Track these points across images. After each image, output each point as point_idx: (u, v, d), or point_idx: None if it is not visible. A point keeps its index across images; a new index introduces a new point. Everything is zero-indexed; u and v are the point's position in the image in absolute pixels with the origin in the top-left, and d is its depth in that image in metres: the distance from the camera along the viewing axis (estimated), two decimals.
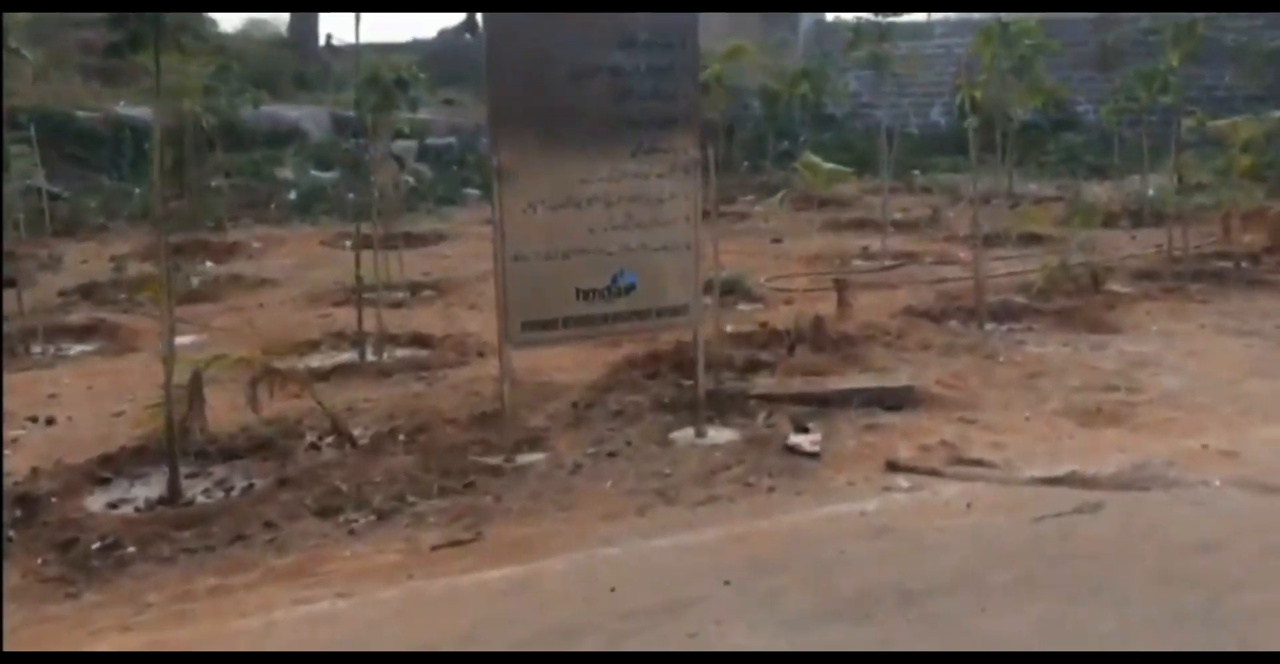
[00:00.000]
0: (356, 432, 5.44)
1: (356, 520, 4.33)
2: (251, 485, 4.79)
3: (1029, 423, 5.33)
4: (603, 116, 4.86)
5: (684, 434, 5.21)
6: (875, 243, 10.76)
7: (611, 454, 4.97)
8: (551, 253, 4.86)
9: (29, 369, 7.18)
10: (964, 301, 8.00)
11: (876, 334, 7.08)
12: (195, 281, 9.70)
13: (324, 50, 23.01)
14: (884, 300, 8.25)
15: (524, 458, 4.94)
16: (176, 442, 4.67)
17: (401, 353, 7.23)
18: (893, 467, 4.71)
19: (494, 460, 4.91)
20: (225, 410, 5.36)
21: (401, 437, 5.26)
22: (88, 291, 10.05)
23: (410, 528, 4.27)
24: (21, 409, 6.02)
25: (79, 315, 8.87)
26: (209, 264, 10.27)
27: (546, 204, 4.82)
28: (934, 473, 4.64)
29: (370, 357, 7.00)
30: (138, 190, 15.15)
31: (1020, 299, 8.15)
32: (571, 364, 6.36)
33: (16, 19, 20.28)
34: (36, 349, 7.80)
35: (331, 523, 4.32)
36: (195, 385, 5.19)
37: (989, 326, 7.34)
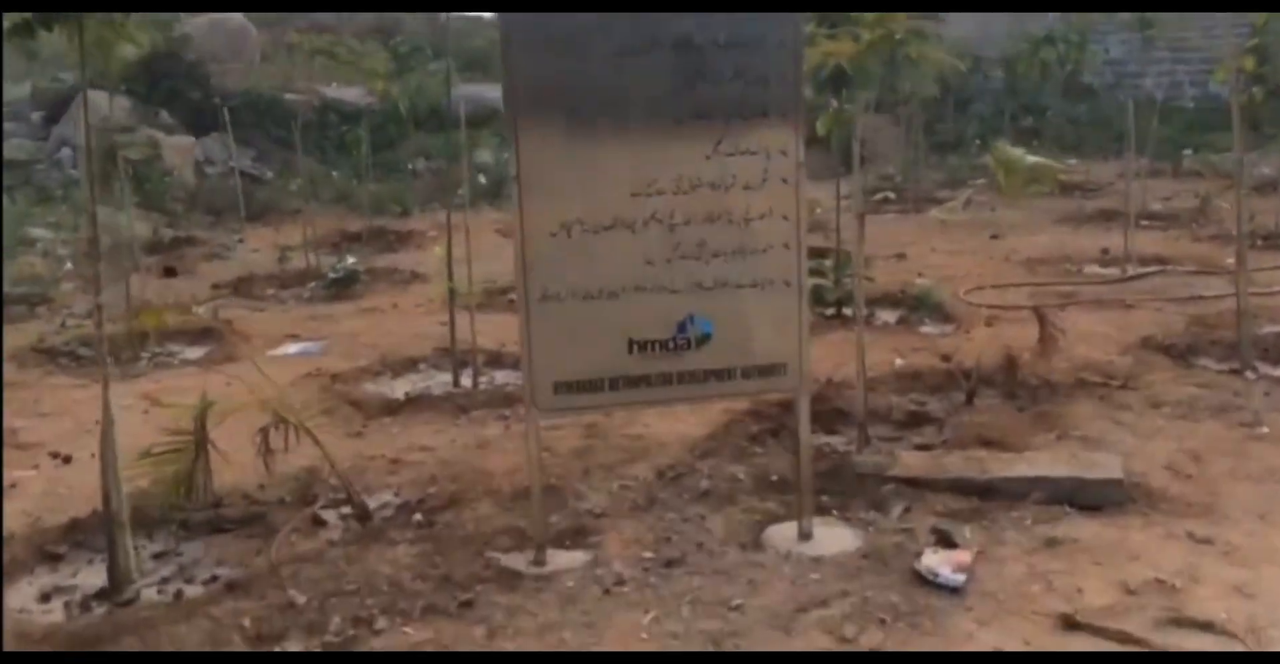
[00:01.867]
0: (382, 499, 4.39)
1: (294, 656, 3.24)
2: (214, 578, 3.80)
3: None
4: (664, 106, 3.52)
5: (783, 532, 3.84)
6: (1120, 242, 8.78)
7: (673, 562, 3.66)
8: (593, 291, 3.58)
9: (115, 380, 6.56)
10: (1224, 332, 6.12)
11: (1091, 379, 5.39)
12: (330, 276, 8.99)
13: None
14: (1114, 326, 6.47)
15: (558, 559, 3.72)
16: (119, 518, 3.73)
17: (505, 377, 6.15)
18: (1070, 625, 3.17)
19: (518, 561, 3.72)
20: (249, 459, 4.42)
21: (419, 516, 4.14)
22: (240, 285, 9.62)
23: None
24: (63, 436, 5.38)
25: (206, 313, 8.34)
26: (350, 259, 9.56)
27: (585, 225, 3.54)
28: (1134, 641, 3.07)
29: (465, 382, 5.98)
30: (335, 173, 14.89)
31: None
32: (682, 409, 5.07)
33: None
34: (145, 353, 7.27)
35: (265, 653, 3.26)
36: (199, 435, 4.31)
37: (1253, 374, 5.46)
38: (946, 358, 5.86)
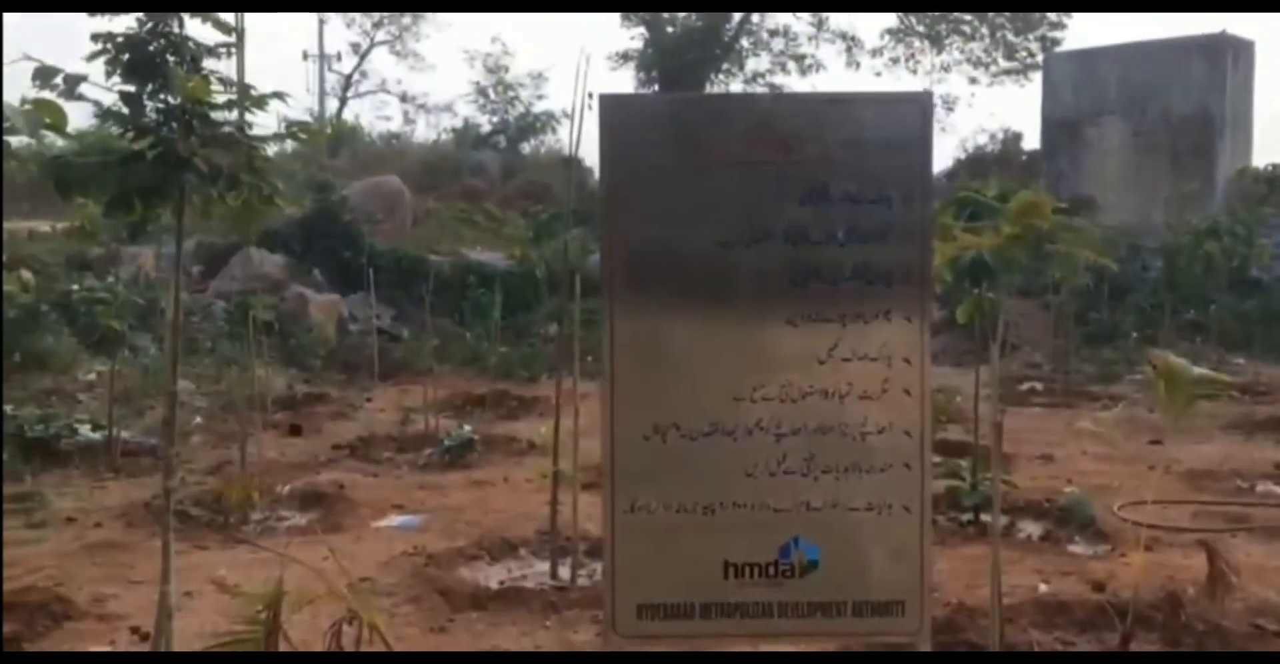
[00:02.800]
0: None
1: None
2: None
3: None
4: (775, 303, 3.21)
5: None
6: None
7: None
8: (688, 504, 3.21)
9: (216, 546, 6.42)
10: None
11: (1269, 627, 4.66)
12: (445, 444, 8.83)
13: None
14: None
15: None
16: None
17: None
18: None
19: None
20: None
21: None
22: (360, 446, 9.56)
23: None
24: (149, 608, 5.17)
25: (322, 478, 8.23)
26: (466, 428, 9.41)
27: (682, 430, 3.20)
28: None
29: (564, 572, 5.60)
30: (468, 335, 15.09)
31: None
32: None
33: (410, 165, 21.65)
34: (256, 516, 7.16)
35: None
36: (271, 627, 4.03)
37: None
38: (1099, 587, 5.20)
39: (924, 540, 3.20)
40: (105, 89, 3.37)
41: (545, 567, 5.83)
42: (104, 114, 3.33)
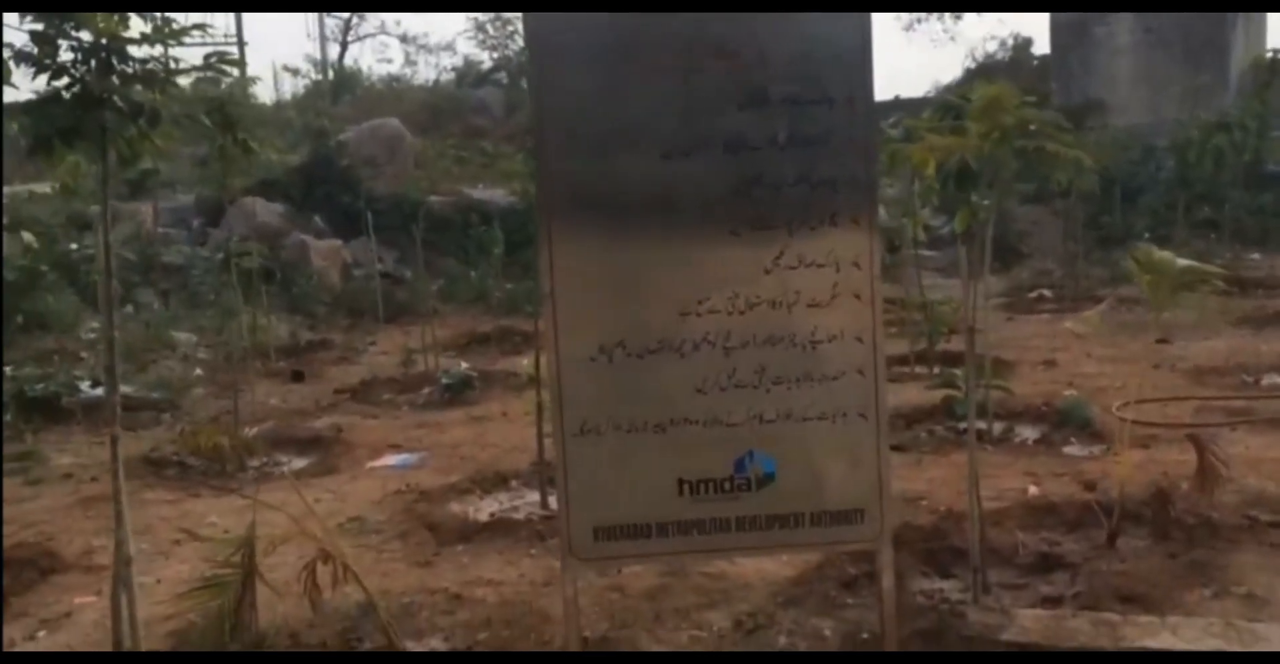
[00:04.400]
0: (431, 644, 3.99)
1: None
2: None
3: None
4: (717, 214, 3.11)
5: None
6: None
7: None
8: (638, 423, 3.15)
9: (210, 495, 6.45)
10: None
11: (1261, 518, 4.59)
12: (443, 382, 8.81)
13: None
14: None
15: None
16: None
17: None
18: None
19: None
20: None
21: None
22: (361, 390, 9.55)
23: None
24: (136, 557, 5.20)
25: (322, 422, 8.24)
26: (463, 365, 9.39)
27: (628, 348, 3.13)
28: None
29: (553, 505, 5.58)
30: (473, 273, 15.00)
31: None
32: None
33: (412, 107, 21.30)
34: (253, 462, 7.18)
35: None
36: (247, 570, 4.03)
37: None
38: (1090, 486, 5.14)
39: (880, 446, 3.14)
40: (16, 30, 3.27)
41: (536, 497, 5.81)
42: (16, 55, 3.23)
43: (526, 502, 5.80)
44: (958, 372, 6.65)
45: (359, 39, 35.74)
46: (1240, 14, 19.40)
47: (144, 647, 3.63)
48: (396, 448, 7.25)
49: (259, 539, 3.90)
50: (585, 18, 3.13)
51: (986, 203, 6.22)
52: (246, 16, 25.73)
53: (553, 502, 5.60)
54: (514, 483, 6.17)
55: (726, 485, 3.15)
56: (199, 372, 10.00)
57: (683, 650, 3.72)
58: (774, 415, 3.14)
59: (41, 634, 4.32)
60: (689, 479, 3.16)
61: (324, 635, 4.06)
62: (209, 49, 3.63)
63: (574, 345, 3.14)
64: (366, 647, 3.95)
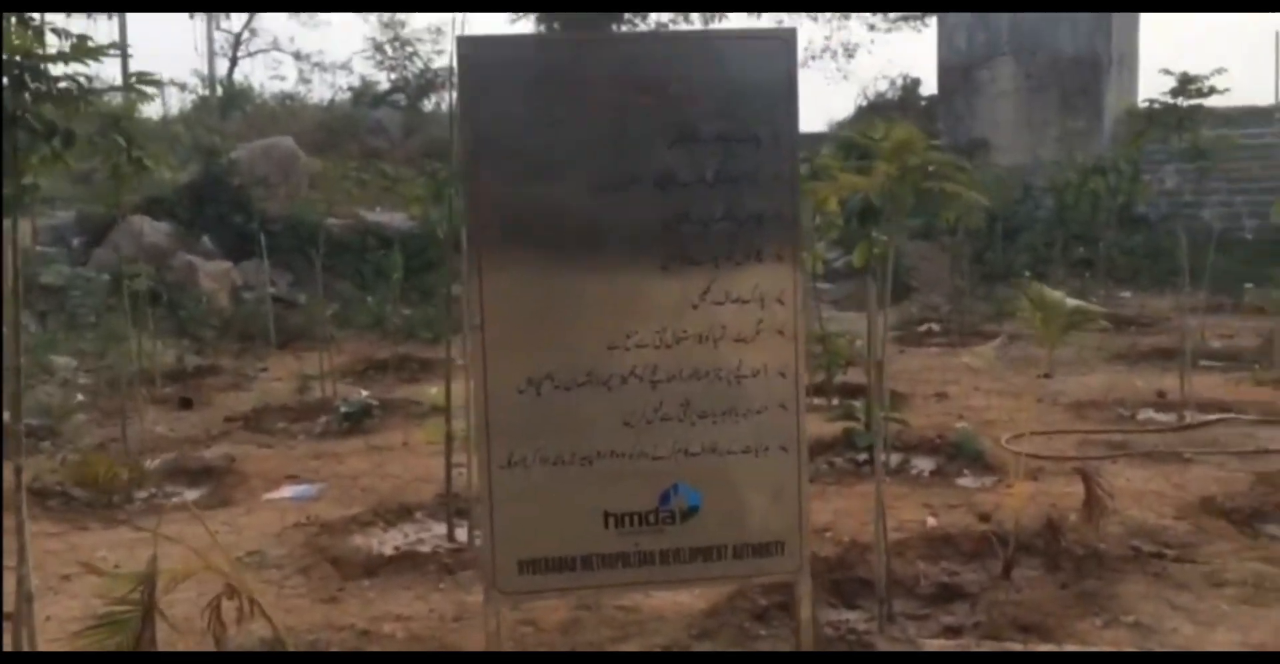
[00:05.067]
0: None
1: None
2: None
3: None
4: (646, 248, 3.17)
5: None
6: (1177, 384, 8.20)
7: None
8: (565, 456, 3.17)
9: (101, 525, 6.20)
10: None
11: (1144, 548, 4.81)
12: (342, 411, 8.65)
13: None
14: (1170, 483, 5.88)
15: None
16: None
17: None
18: None
19: None
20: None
21: None
22: (254, 418, 9.31)
23: None
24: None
25: (213, 451, 8.00)
26: (363, 393, 9.25)
27: (556, 381, 3.15)
28: None
29: (461, 535, 5.53)
30: (370, 299, 14.79)
31: None
32: None
33: (306, 125, 20.85)
34: (141, 493, 6.93)
35: None
36: (147, 606, 3.90)
37: None
38: (985, 517, 5.32)
39: (801, 480, 3.21)
40: None
41: (443, 529, 5.75)
42: None
43: (433, 534, 5.72)
44: (856, 403, 6.84)
45: (250, 55, 34.99)
46: (1113, 63, 20.44)
47: None
48: (294, 479, 7.08)
49: (159, 574, 3.80)
50: (516, 43, 3.17)
51: (884, 238, 6.46)
52: (131, 27, 24.96)
53: (460, 534, 5.58)
54: (419, 515, 6.09)
55: (651, 518, 3.19)
56: (80, 397, 9.61)
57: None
58: (699, 449, 3.19)
59: None
60: (614, 512, 3.19)
61: None
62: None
63: (502, 376, 3.15)
64: None
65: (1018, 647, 3.68)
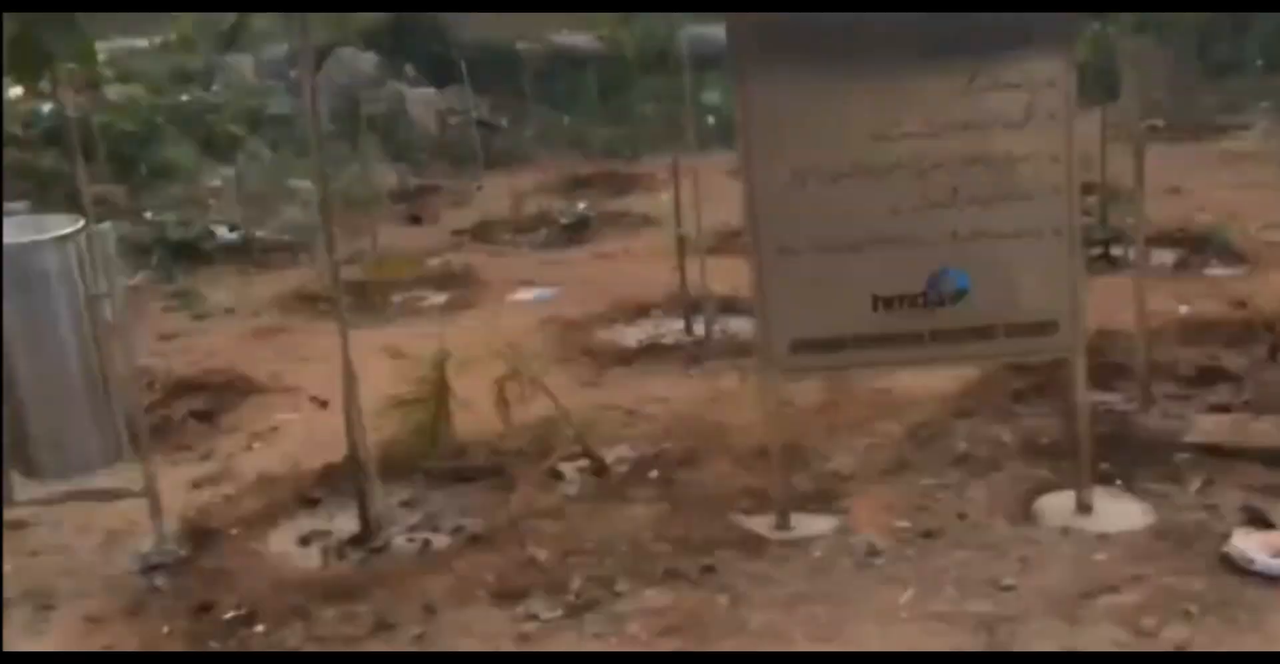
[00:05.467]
0: (618, 452, 4.32)
1: (536, 616, 3.22)
2: (459, 529, 3.84)
3: None
4: (909, 37, 3.20)
5: (1058, 503, 3.53)
6: None
7: (932, 534, 3.43)
8: (833, 243, 3.34)
9: (365, 326, 6.80)
10: None
11: None
12: (562, 222, 9.07)
13: None
14: None
15: (803, 525, 3.57)
16: (366, 468, 3.81)
17: (738, 326, 5.96)
18: None
19: (760, 525, 3.57)
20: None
21: (655, 473, 4.04)
22: (479, 231, 9.82)
23: (597, 640, 3.09)
24: (322, 381, 5.56)
25: (449, 259, 8.55)
26: (581, 205, 9.59)
27: (822, 173, 3.28)
28: None
29: (698, 330, 5.85)
30: (567, 119, 15.01)
31: None
32: None
33: None
34: (396, 298, 7.54)
35: (506, 614, 3.25)
36: (440, 386, 4.38)
37: None
38: (1242, 304, 5.24)
39: (1074, 261, 3.28)
40: None
41: (678, 325, 6.06)
42: None
43: (671, 329, 6.05)
44: (1089, 198, 6.69)
45: None
46: None
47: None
48: (528, 283, 7.54)
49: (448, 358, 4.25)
50: None
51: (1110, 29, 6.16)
52: None
53: (697, 328, 5.89)
54: (654, 313, 6.43)
55: (920, 300, 3.34)
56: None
57: (862, 458, 4.00)
58: (968, 234, 3.30)
59: (257, 446, 4.75)
60: (882, 295, 3.35)
61: (517, 445, 4.39)
62: None
63: (768, 172, 3.30)
64: (558, 456, 4.27)
65: None
